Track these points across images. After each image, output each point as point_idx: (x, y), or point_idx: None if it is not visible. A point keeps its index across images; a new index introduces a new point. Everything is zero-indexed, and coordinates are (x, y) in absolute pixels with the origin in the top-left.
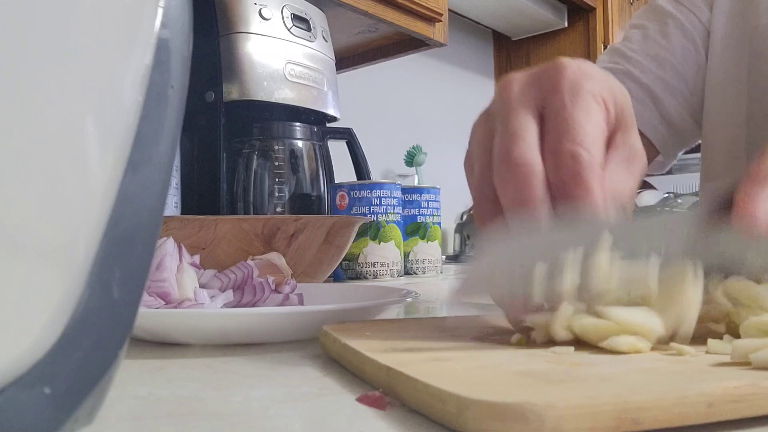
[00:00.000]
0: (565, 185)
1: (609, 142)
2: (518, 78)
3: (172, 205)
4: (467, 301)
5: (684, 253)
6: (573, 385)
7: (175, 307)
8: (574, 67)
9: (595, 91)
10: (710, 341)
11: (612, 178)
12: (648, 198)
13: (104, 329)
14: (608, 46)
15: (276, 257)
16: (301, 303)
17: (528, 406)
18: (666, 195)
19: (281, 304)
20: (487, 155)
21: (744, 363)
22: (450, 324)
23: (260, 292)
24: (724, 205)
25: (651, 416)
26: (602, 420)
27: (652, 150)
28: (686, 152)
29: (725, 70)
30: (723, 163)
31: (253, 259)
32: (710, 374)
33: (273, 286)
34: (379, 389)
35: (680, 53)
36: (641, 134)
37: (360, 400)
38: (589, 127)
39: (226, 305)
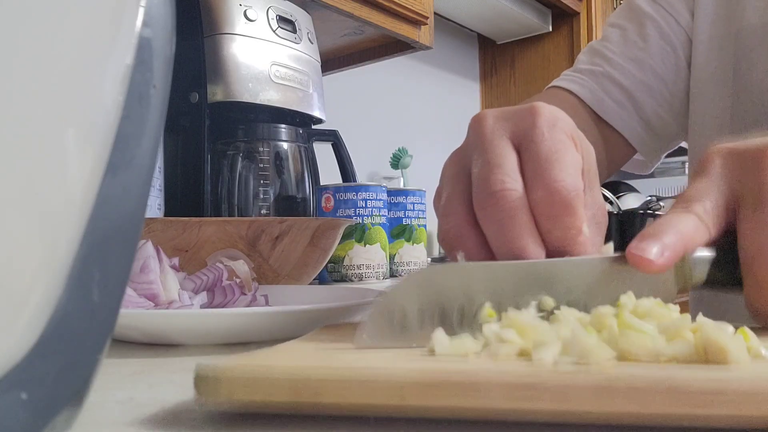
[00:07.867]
0: (551, 214)
1: None
2: (491, 113)
3: (156, 207)
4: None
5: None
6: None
7: (166, 308)
8: (548, 109)
9: (567, 130)
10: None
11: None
12: (630, 201)
13: (83, 333)
14: (588, 45)
15: (240, 266)
16: (267, 304)
17: (210, 371)
18: (648, 198)
19: (249, 305)
20: (460, 185)
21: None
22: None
23: (230, 294)
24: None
25: (333, 392)
26: (279, 390)
27: (628, 149)
28: (668, 156)
29: (710, 73)
30: None
31: (223, 264)
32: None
33: (241, 289)
34: None
35: (659, 55)
36: (620, 135)
37: None
38: (569, 158)
39: (202, 307)
